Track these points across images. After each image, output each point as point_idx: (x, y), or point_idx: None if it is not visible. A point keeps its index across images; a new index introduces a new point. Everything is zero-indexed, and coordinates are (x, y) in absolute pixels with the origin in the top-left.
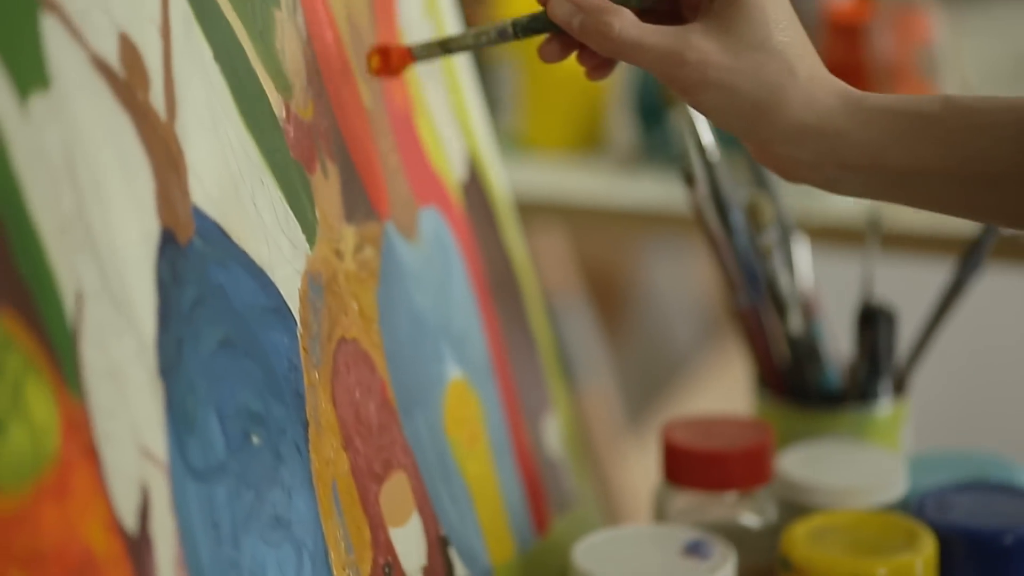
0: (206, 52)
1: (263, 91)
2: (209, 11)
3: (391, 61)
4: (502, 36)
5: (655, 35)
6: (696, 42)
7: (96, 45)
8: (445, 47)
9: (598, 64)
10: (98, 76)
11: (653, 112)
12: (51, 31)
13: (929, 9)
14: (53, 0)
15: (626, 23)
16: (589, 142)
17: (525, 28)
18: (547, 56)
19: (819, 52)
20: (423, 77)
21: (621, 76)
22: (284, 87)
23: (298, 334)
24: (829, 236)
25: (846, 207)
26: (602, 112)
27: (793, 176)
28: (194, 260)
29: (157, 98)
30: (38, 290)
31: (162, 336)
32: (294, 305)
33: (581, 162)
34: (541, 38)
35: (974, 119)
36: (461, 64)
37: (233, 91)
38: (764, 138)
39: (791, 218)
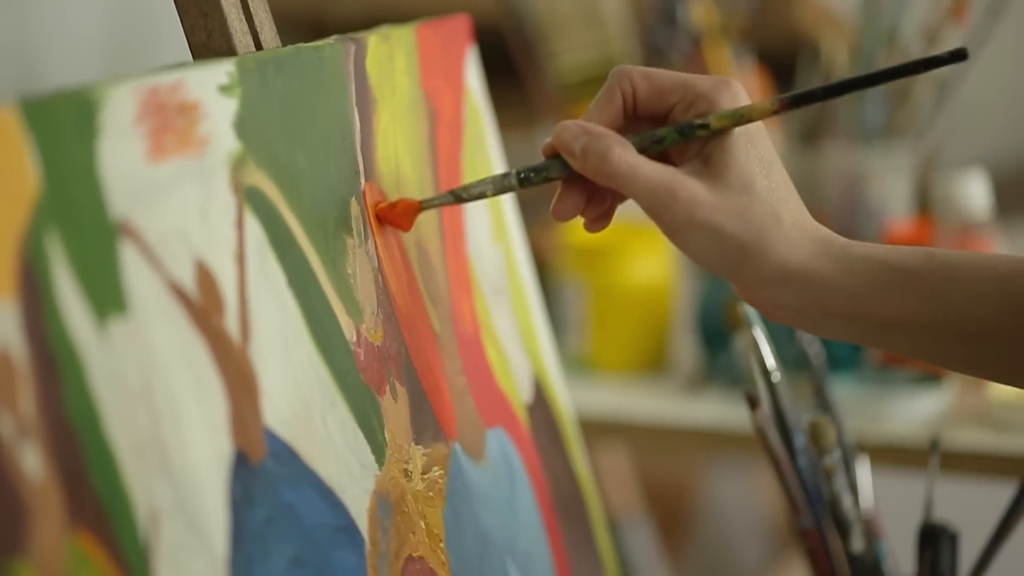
0: (280, 278)
1: (335, 315)
2: (283, 238)
3: (396, 208)
4: (506, 183)
5: (650, 167)
6: (687, 182)
7: (173, 272)
8: (456, 196)
9: (599, 215)
10: (174, 301)
11: (716, 335)
12: (130, 258)
13: (989, 233)
14: (132, 228)
15: (626, 151)
16: (653, 364)
17: (528, 176)
18: (560, 214)
19: None
20: (491, 301)
21: (684, 300)
22: (355, 311)
23: (366, 553)
24: (889, 456)
25: (906, 428)
26: (666, 334)
27: (778, 318)
28: (266, 480)
29: (232, 323)
30: (114, 510)
31: (234, 555)
32: (363, 524)
33: (645, 383)
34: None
35: (954, 275)
36: (528, 287)
37: (305, 315)
38: (748, 281)
39: (852, 439)
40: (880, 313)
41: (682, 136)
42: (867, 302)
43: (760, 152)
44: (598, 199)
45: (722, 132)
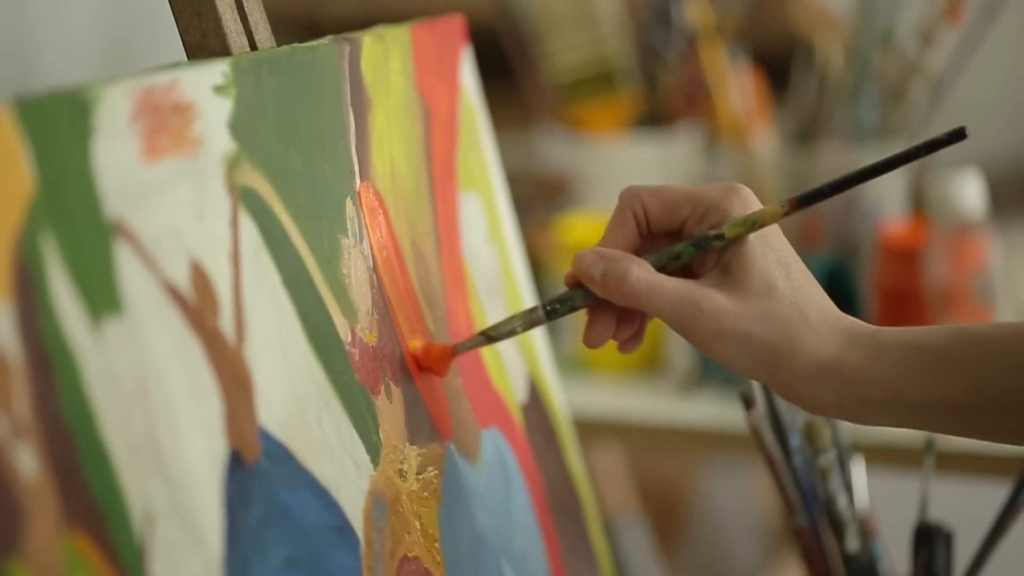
0: (275, 278)
1: (329, 315)
2: (278, 239)
3: (431, 354)
4: (534, 317)
5: (671, 283)
6: (709, 293)
7: (168, 272)
8: (488, 337)
9: (631, 336)
10: (169, 302)
11: None
12: (124, 258)
13: (984, 233)
14: (127, 228)
15: (644, 270)
16: (648, 364)
17: (555, 308)
18: (592, 341)
19: (874, 277)
20: (486, 301)
21: None
22: (350, 311)
23: (361, 553)
24: (884, 456)
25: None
26: (661, 334)
27: (818, 412)
28: (261, 480)
29: (227, 323)
30: (109, 510)
31: (229, 555)
32: (358, 524)
33: (640, 383)
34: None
35: (985, 349)
36: (523, 287)
37: (300, 315)
38: (785, 381)
39: (847, 439)
40: (919, 396)
41: (699, 249)
42: (904, 387)
43: (777, 253)
44: (627, 320)
45: (737, 240)
